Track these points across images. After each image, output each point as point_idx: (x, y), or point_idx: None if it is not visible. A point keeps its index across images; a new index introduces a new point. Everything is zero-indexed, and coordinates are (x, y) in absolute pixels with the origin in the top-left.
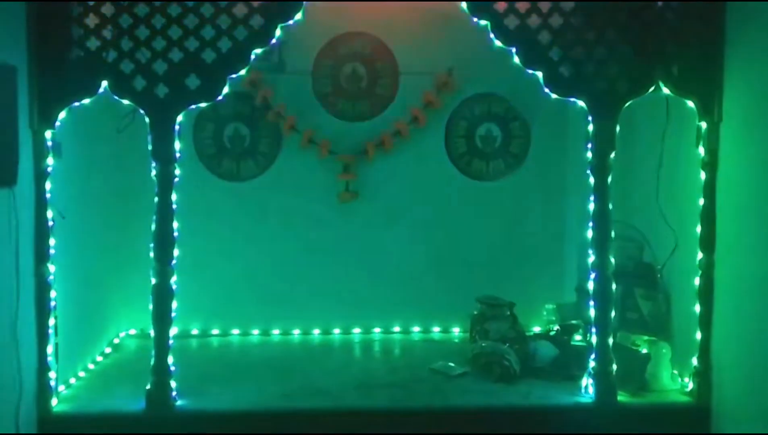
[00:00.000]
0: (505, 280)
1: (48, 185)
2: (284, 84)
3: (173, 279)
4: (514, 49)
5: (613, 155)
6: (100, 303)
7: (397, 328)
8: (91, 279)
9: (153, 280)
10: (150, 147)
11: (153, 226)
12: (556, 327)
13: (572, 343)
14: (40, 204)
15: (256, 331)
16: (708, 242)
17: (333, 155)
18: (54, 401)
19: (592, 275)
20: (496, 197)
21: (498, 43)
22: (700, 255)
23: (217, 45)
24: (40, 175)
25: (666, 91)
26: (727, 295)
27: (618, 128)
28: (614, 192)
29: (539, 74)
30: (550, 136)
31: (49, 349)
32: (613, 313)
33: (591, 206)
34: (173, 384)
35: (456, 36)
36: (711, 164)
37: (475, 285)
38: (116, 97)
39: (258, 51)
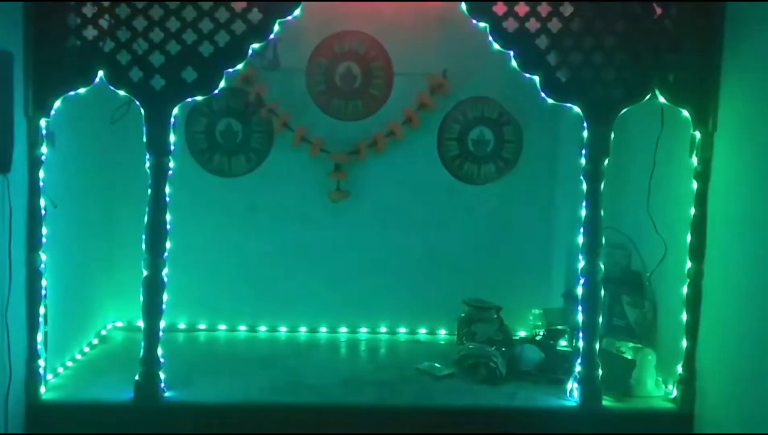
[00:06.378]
0: (492, 284)
1: (41, 174)
2: (278, 81)
3: (164, 271)
4: (511, 53)
5: (606, 162)
6: (89, 294)
7: (383, 329)
8: (80, 269)
9: (144, 272)
10: (145, 138)
11: (146, 218)
12: (542, 332)
13: (558, 348)
14: (33, 192)
15: (242, 327)
16: (698, 252)
17: (325, 154)
18: (42, 389)
19: (582, 281)
20: (487, 201)
21: (496, 45)
22: (689, 264)
23: (215, 38)
24: (34, 163)
25: (662, 99)
26: (713, 304)
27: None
28: (605, 198)
29: (536, 78)
30: (542, 141)
31: (39, 338)
32: (600, 319)
33: (583, 212)
34: (162, 375)
35: (451, 38)
36: (703, 174)
37: (462, 288)
38: (112, 88)
39: (255, 46)
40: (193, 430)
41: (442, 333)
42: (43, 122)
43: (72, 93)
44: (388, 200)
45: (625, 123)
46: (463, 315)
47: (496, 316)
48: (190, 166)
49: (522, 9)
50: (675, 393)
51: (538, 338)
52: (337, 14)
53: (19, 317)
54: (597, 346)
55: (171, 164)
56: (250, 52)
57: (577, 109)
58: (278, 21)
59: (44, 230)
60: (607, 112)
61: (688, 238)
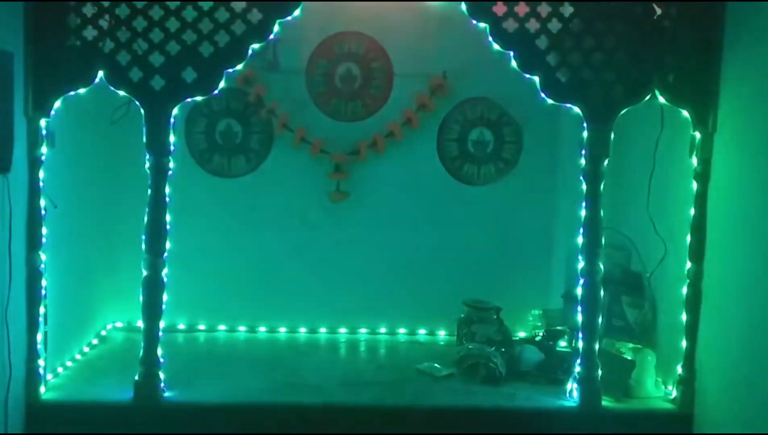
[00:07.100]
0: (492, 285)
1: (41, 174)
2: (278, 82)
3: (164, 271)
4: (511, 53)
5: (606, 162)
6: (89, 294)
7: (383, 329)
8: (80, 269)
9: (144, 272)
10: (144, 139)
11: (145, 218)
12: (542, 332)
13: (557, 348)
14: (33, 192)
15: (242, 328)
16: (697, 252)
17: (325, 154)
18: (42, 389)
19: (581, 281)
20: (486, 202)
21: (496, 46)
22: (688, 265)
23: (215, 39)
24: (34, 163)
25: (662, 99)
26: (713, 305)
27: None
28: (604, 199)
29: (536, 79)
30: (542, 142)
31: (38, 338)
32: (599, 320)
33: (582, 213)
34: (161, 375)
35: (451, 39)
36: (703, 175)
37: (462, 289)
38: (112, 88)
39: (255, 46)
40: (193, 430)
41: (442, 334)
42: (43, 122)
43: (72, 93)
44: (388, 201)
45: (625, 123)
46: (462, 316)
47: (495, 316)
48: (190, 167)
49: (522, 9)
50: (674, 393)
51: (537, 339)
52: (337, 14)
53: (19, 317)
54: (596, 346)
55: (171, 164)
56: (250, 52)
57: (577, 109)
58: (278, 21)
59: (44, 230)
60: (607, 113)
61: (688, 238)
